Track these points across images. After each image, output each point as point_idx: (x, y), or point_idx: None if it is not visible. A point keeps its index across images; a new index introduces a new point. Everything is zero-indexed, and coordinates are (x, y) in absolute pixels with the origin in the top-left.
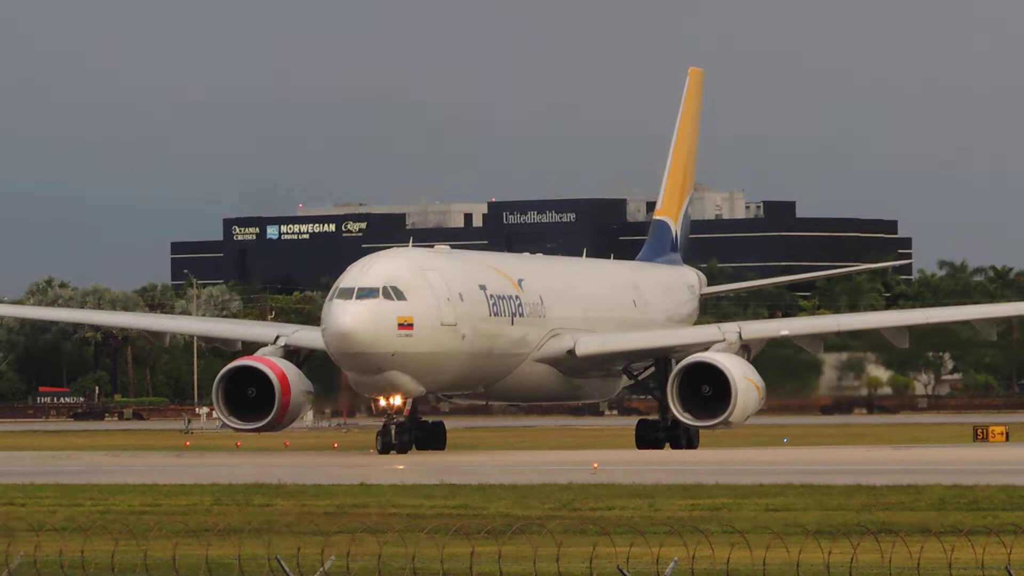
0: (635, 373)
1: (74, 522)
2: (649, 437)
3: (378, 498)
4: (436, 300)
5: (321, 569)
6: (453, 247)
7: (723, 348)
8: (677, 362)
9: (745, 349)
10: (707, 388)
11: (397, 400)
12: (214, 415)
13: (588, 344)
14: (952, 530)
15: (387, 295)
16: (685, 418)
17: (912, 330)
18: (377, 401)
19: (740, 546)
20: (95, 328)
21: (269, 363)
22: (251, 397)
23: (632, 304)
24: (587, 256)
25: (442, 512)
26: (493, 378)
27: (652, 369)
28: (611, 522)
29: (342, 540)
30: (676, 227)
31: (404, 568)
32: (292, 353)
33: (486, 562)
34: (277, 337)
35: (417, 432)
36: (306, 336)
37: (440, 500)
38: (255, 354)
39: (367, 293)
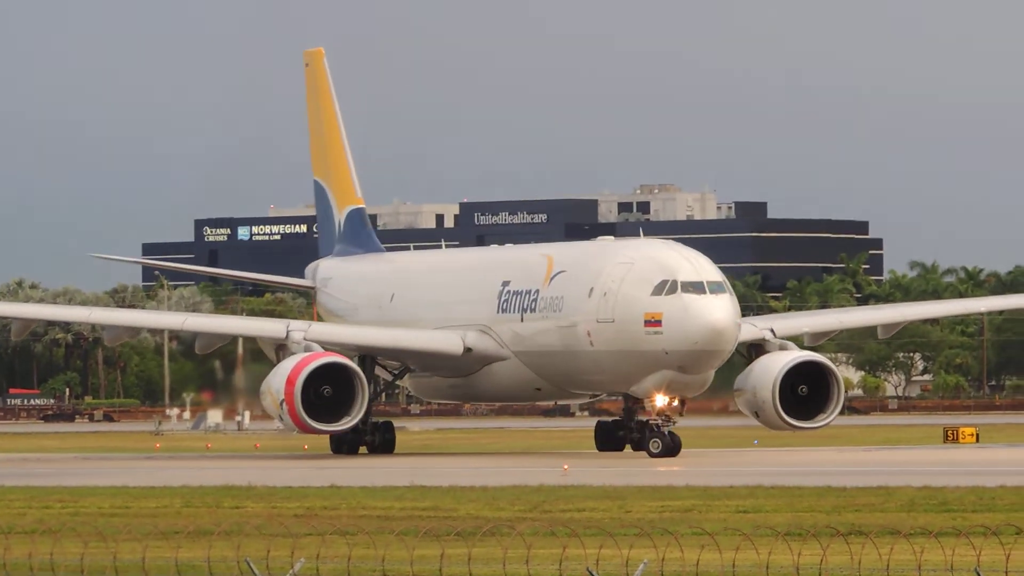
0: None
1: (43, 524)
2: (612, 438)
3: (348, 500)
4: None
5: (291, 571)
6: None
7: (779, 345)
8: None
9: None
10: (804, 388)
11: (666, 400)
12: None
13: None
14: (922, 531)
15: (727, 290)
16: (788, 420)
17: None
18: (652, 402)
19: (710, 548)
20: (65, 329)
21: (349, 360)
22: (327, 396)
23: None
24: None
25: (412, 514)
26: None
27: None
28: (581, 524)
29: (312, 542)
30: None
31: (374, 570)
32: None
33: (456, 564)
34: (288, 332)
35: (384, 435)
36: (325, 330)
37: (410, 502)
38: (323, 351)
39: (716, 287)
